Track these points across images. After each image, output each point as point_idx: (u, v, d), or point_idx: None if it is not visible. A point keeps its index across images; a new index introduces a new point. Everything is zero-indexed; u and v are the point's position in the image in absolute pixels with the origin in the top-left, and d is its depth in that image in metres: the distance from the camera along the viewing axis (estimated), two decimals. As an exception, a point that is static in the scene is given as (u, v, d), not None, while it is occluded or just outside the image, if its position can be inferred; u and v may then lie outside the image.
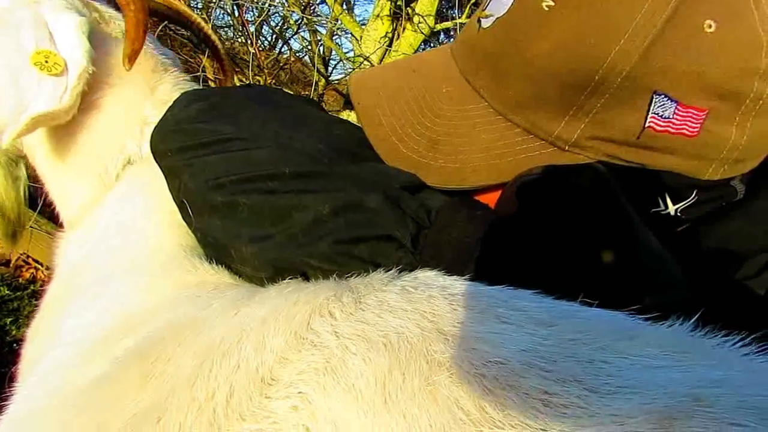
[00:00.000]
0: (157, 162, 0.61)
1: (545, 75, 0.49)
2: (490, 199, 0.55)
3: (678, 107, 0.47)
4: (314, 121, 0.61)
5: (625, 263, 0.50)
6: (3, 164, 0.90)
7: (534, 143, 0.52)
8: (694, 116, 0.47)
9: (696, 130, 0.48)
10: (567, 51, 0.48)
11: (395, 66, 0.64)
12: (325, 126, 0.60)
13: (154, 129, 0.60)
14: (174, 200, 0.60)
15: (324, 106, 3.80)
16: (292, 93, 0.70)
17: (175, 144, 0.58)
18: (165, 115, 0.61)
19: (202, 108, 0.59)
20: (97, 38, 0.77)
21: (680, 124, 0.48)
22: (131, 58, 0.70)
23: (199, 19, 1.03)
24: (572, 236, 0.55)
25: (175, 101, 0.62)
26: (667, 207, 0.53)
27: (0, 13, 0.73)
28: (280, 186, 0.53)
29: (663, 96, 0.47)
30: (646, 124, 0.48)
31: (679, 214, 0.53)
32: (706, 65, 0.46)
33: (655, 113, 0.48)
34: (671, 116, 0.47)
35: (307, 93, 3.21)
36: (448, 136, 0.54)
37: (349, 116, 3.20)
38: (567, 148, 0.51)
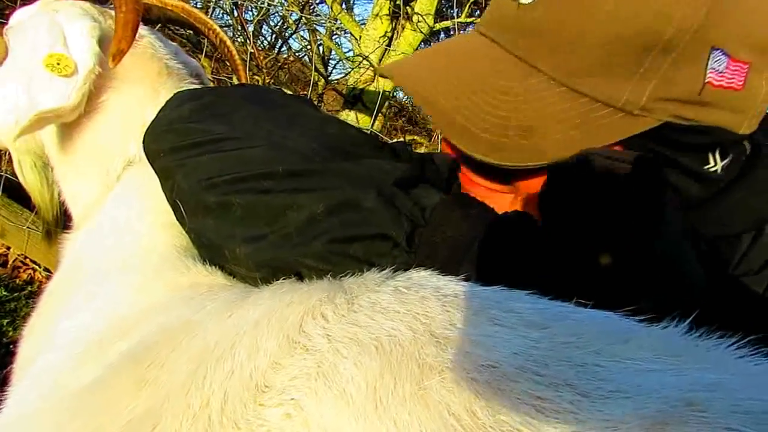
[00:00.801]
0: (150, 162, 0.61)
1: (610, 39, 0.48)
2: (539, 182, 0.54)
3: (729, 61, 0.47)
4: (307, 119, 0.60)
5: (633, 267, 0.50)
6: (39, 169, 0.94)
7: (604, 110, 0.50)
8: (740, 70, 0.48)
9: (741, 83, 0.48)
10: (632, 12, 0.47)
11: (435, 52, 0.62)
12: (318, 124, 0.60)
13: (147, 130, 0.60)
14: (167, 201, 0.60)
15: (323, 105, 3.80)
16: (285, 92, 0.70)
17: (168, 144, 0.58)
18: (157, 115, 0.61)
19: (195, 108, 0.59)
20: (108, 43, 0.79)
21: (731, 78, 0.48)
22: (116, 57, 0.71)
23: (216, 26, 1.04)
24: (577, 236, 0.54)
25: (167, 101, 0.62)
26: (716, 163, 0.52)
27: (22, 21, 0.78)
28: (273, 185, 0.53)
29: (719, 51, 0.47)
30: (706, 80, 0.48)
31: (721, 171, 0.52)
32: (753, 20, 0.47)
33: (712, 68, 0.48)
34: (724, 71, 0.48)
35: (305, 93, 3.20)
36: (517, 113, 0.52)
37: (348, 116, 3.19)
38: (636, 112, 0.50)
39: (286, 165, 0.53)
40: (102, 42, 0.78)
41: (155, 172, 0.61)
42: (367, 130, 3.16)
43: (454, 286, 0.44)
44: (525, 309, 0.40)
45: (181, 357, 0.44)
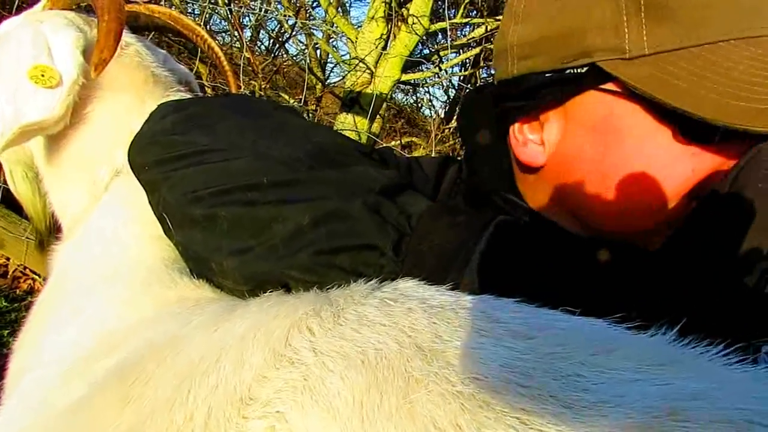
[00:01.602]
0: (135, 176, 0.61)
1: None
2: None
3: None
4: (293, 128, 0.60)
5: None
6: (30, 179, 0.94)
7: None
8: None
9: None
10: None
11: None
12: (303, 133, 0.60)
13: (131, 143, 0.60)
14: (154, 213, 0.60)
15: (321, 109, 3.80)
16: (269, 101, 0.70)
17: (152, 157, 0.58)
18: (141, 128, 0.61)
19: (179, 119, 0.59)
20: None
21: None
22: (98, 66, 0.71)
23: (203, 33, 1.04)
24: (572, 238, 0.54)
25: (151, 113, 0.62)
26: None
27: (8, 32, 0.78)
28: (259, 197, 0.53)
29: None
30: None
31: None
32: None
33: None
34: None
35: (300, 97, 3.20)
36: None
37: (346, 119, 3.20)
38: None
39: (271, 176, 0.53)
40: (87, 52, 0.78)
41: (141, 185, 0.61)
42: (365, 132, 3.16)
43: (440, 296, 0.44)
44: (511, 319, 0.40)
45: (167, 373, 0.44)
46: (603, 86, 0.51)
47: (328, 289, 0.49)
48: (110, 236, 0.66)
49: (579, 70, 0.51)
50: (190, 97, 0.85)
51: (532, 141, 0.58)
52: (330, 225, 0.51)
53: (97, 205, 0.73)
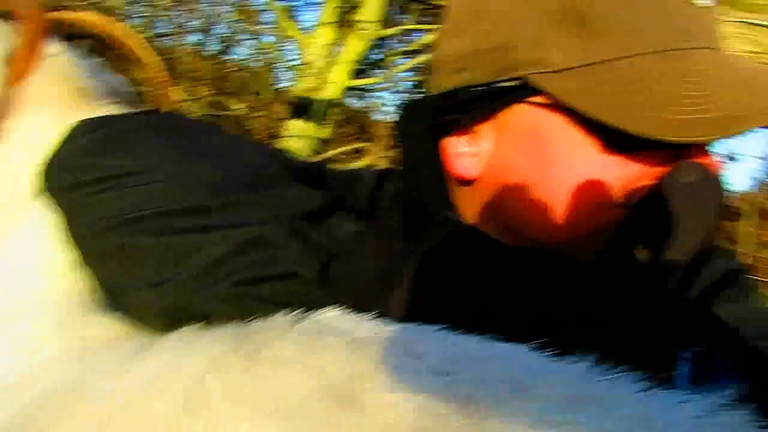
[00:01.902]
0: (50, 199, 0.57)
1: None
2: None
3: None
4: (218, 149, 0.58)
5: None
6: None
7: None
8: None
9: None
10: None
11: None
12: (229, 154, 0.58)
13: (46, 164, 0.56)
14: (70, 242, 0.56)
15: (270, 114, 3.75)
16: (194, 119, 0.67)
17: (65, 181, 0.54)
18: (57, 148, 0.57)
19: (95, 139, 0.56)
20: None
21: None
22: (16, 79, 0.66)
23: (135, 44, 0.99)
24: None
25: (68, 132, 0.58)
26: None
27: None
28: (177, 224, 0.50)
29: None
30: None
31: None
32: None
33: None
34: None
35: (247, 104, 3.16)
36: None
37: (295, 125, 3.17)
38: None
39: (192, 201, 0.51)
40: (8, 63, 0.73)
41: (57, 209, 0.57)
42: (314, 137, 3.14)
43: (364, 327, 0.43)
44: (431, 352, 0.39)
45: (68, 424, 0.41)
46: (533, 99, 0.52)
47: (249, 321, 0.47)
48: (21, 267, 0.62)
49: (511, 84, 0.53)
50: (112, 114, 0.81)
51: (466, 154, 0.58)
52: (251, 253, 0.49)
53: (11, 231, 0.68)
